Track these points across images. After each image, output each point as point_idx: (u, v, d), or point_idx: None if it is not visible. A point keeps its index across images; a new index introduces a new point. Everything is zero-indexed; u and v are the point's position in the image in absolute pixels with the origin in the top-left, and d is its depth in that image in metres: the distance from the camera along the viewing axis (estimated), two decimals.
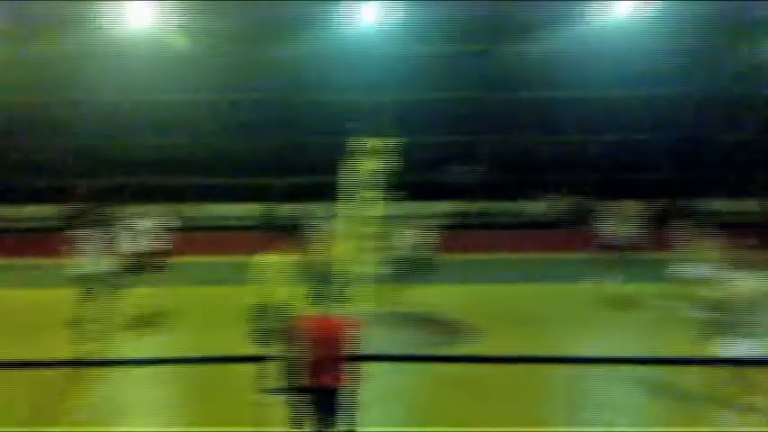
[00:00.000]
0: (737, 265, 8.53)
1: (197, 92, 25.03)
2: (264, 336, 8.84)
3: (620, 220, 15.10)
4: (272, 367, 6.99)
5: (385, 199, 17.96)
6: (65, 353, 9.88)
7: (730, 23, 22.57)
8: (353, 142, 16.41)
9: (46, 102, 24.76)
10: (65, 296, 11.52)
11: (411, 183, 24.66)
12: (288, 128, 25.44)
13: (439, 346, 11.95)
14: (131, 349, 11.28)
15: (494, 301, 15.58)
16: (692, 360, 5.85)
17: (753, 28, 22.93)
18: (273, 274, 9.72)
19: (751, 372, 6.73)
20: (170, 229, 15.02)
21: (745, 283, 6.71)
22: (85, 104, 25.07)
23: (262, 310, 9.44)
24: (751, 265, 9.83)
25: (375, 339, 11.99)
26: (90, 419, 7.68)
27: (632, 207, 16.57)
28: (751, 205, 24.66)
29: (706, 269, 13.37)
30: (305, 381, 5.90)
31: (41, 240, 19.31)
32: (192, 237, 18.94)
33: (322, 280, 11.18)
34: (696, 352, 6.96)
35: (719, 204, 23.95)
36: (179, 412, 8.11)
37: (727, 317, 6.61)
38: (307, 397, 5.93)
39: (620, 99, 24.52)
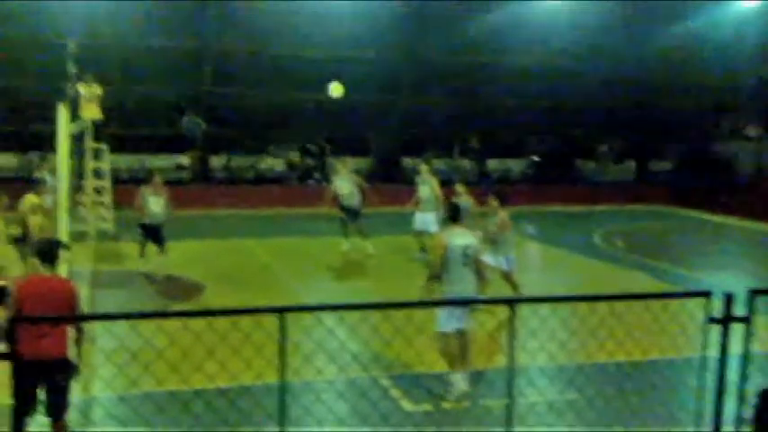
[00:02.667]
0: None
1: None
2: None
3: (344, 176, 15.68)
4: None
5: (104, 151, 17.05)
6: None
7: None
8: (70, 89, 15.28)
9: None
10: None
11: (137, 135, 23.76)
12: None
13: (163, 304, 11.73)
14: None
15: (221, 257, 15.58)
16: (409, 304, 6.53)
17: None
18: None
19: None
20: None
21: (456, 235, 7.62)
22: None
23: None
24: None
25: (98, 299, 11.70)
26: None
27: (350, 164, 17.38)
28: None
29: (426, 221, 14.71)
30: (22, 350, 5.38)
31: None
32: None
33: (33, 238, 10.40)
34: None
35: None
36: None
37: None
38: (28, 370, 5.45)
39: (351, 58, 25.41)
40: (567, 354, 7.96)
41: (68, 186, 8.92)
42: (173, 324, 4.69)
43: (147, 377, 5.72)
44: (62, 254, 6.20)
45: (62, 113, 8.44)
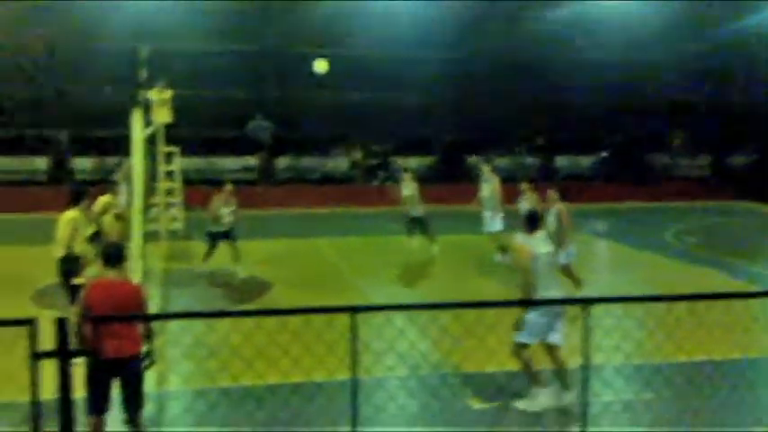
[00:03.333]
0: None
1: None
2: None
3: (408, 176, 15.65)
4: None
5: (175, 154, 17.50)
6: None
7: None
8: (142, 94, 15.71)
9: None
10: None
11: (207, 137, 24.31)
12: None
13: (234, 302, 11.95)
14: None
15: (288, 256, 15.77)
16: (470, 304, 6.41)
17: None
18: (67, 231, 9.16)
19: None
20: None
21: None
22: None
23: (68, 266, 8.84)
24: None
25: (171, 297, 12.02)
26: None
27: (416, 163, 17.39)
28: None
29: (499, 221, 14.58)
30: (93, 350, 5.56)
31: None
32: None
33: (105, 238, 10.74)
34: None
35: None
36: None
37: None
38: (100, 370, 5.63)
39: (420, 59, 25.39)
40: (644, 353, 7.75)
41: (142, 188, 9.16)
42: (246, 322, 4.77)
43: (224, 373, 5.82)
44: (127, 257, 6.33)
45: (136, 118, 8.69)
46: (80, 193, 9.70)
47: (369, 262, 15.27)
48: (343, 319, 3.83)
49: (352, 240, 18.13)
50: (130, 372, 5.76)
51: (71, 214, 9.44)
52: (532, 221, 7.52)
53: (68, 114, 23.80)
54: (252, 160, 25.51)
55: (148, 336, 5.94)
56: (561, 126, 27.08)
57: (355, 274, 14.03)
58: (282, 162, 26.11)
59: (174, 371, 7.64)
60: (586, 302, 4.31)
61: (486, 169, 15.24)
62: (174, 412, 7.08)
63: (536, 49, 24.98)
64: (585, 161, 28.22)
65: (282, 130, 25.04)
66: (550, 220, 10.80)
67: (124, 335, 5.70)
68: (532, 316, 7.08)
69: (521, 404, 7.24)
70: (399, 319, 6.33)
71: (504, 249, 14.11)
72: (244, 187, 18.82)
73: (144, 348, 5.92)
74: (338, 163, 26.69)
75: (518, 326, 7.02)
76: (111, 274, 6.01)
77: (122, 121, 15.65)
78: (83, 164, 24.35)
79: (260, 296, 12.20)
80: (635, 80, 25.95)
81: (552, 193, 11.02)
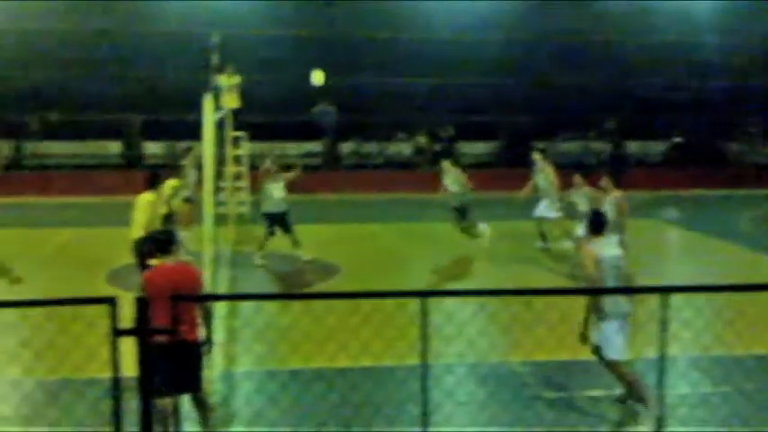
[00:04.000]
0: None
1: None
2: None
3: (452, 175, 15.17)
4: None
5: (243, 138, 17.77)
6: None
7: None
8: (213, 79, 15.99)
9: None
10: None
11: (273, 122, 24.58)
12: None
13: (301, 286, 12.09)
14: None
15: (352, 241, 15.85)
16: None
17: None
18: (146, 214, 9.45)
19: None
20: None
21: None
22: None
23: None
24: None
25: (239, 279, 12.24)
26: None
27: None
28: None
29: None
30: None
31: None
32: None
33: (177, 218, 11.00)
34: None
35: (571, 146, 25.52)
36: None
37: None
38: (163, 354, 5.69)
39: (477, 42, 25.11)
40: (723, 345, 7.48)
41: (212, 172, 9.31)
42: (317, 305, 4.79)
43: (295, 355, 5.88)
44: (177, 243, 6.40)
45: (207, 103, 8.82)
46: (156, 176, 10.02)
47: (432, 248, 15.20)
48: (412, 304, 3.80)
49: (417, 226, 18.10)
50: (189, 355, 5.81)
51: (149, 197, 9.74)
52: (597, 224, 7.06)
53: (140, 99, 24.42)
54: (316, 146, 25.71)
55: (207, 320, 6.00)
56: (633, 111, 26.39)
57: (419, 260, 14.00)
58: (347, 147, 26.21)
59: (246, 352, 7.77)
60: (665, 291, 4.18)
61: (538, 158, 14.94)
62: (248, 391, 7.20)
63: (607, 29, 24.34)
64: (657, 147, 27.45)
65: (347, 115, 25.12)
66: (607, 209, 10.21)
67: (183, 319, 5.78)
68: (610, 329, 6.61)
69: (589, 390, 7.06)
70: (470, 305, 6.27)
71: (544, 237, 13.95)
72: (308, 172, 18.98)
73: (203, 332, 6.00)
74: (402, 148, 26.64)
75: (583, 339, 6.67)
76: (169, 260, 6.08)
77: (192, 106, 16.01)
78: (153, 148, 24.98)
79: (325, 280, 12.30)
80: (706, 65, 25.08)
81: (607, 181, 10.60)
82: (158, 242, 6.15)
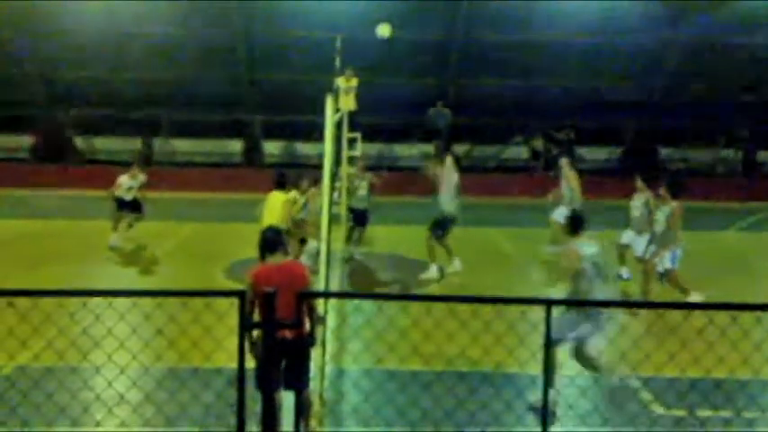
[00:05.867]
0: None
1: None
2: None
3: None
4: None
5: (358, 140, 18.08)
6: None
7: None
8: (335, 82, 16.40)
9: None
10: None
11: (387, 124, 24.90)
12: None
13: (408, 286, 12.22)
14: None
15: (463, 244, 15.81)
16: None
17: None
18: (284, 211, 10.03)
19: None
20: None
21: None
22: None
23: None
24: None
25: (351, 278, 12.51)
26: None
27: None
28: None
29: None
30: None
31: None
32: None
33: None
34: None
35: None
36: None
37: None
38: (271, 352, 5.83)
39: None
40: None
41: (330, 172, 9.55)
42: (414, 307, 4.84)
43: (391, 356, 5.96)
44: (284, 242, 6.54)
45: (329, 105, 9.09)
46: (284, 176, 10.69)
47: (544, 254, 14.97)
48: (513, 310, 3.79)
49: (529, 231, 17.84)
50: (295, 352, 5.87)
51: (281, 197, 10.35)
52: (575, 224, 7.31)
53: (261, 100, 25.34)
54: (428, 148, 25.81)
55: (312, 317, 6.05)
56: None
57: (530, 265, 13.83)
58: (459, 150, 26.18)
59: (348, 350, 7.97)
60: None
61: (564, 163, 14.64)
62: (346, 387, 7.38)
63: (741, 31, 23.09)
64: None
65: (462, 118, 25.07)
66: (660, 219, 10.38)
67: (288, 315, 5.92)
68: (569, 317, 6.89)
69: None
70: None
71: (555, 241, 13.73)
72: (420, 175, 19.08)
73: (308, 329, 6.02)
74: (518, 151, 26.35)
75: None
76: (275, 259, 6.15)
77: (310, 107, 16.45)
78: (272, 148, 25.86)
79: (429, 283, 12.36)
80: None
81: (665, 191, 10.40)
82: (266, 241, 6.23)
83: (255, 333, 5.33)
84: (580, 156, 24.06)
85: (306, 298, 5.62)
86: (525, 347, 5.22)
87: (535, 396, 6.37)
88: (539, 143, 25.77)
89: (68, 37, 23.23)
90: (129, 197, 14.60)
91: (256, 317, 5.16)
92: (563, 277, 7.44)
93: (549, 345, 6.93)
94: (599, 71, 24.29)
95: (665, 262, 10.31)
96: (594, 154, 25.69)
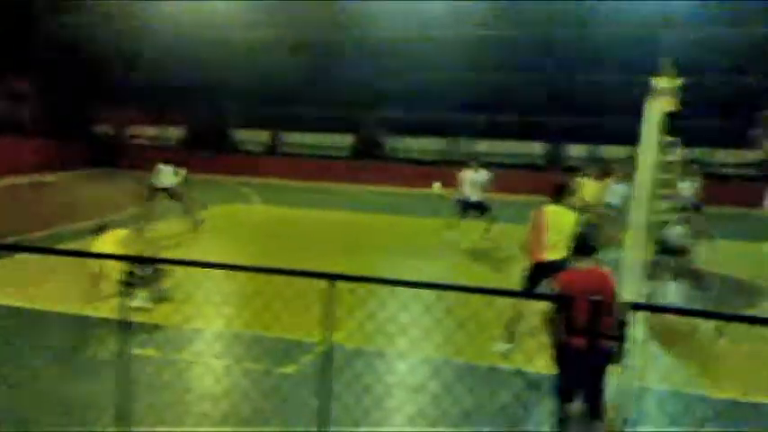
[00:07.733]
0: None
1: None
2: None
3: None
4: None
5: (674, 144, 16.79)
6: None
7: None
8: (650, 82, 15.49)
9: None
10: None
11: (697, 127, 22.78)
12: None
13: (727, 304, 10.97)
14: None
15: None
16: None
17: None
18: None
19: None
20: None
21: None
22: None
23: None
24: None
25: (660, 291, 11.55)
26: None
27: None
28: None
29: None
30: (569, 339, 5.42)
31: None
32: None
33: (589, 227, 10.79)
34: None
35: None
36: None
37: None
38: (577, 361, 5.53)
39: None
40: None
41: (650, 178, 8.86)
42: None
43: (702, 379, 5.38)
44: (598, 245, 6.18)
45: (650, 107, 8.44)
46: (564, 188, 9.46)
47: None
48: None
49: None
50: (594, 363, 5.53)
51: (556, 210, 9.13)
52: (579, 246, 6.16)
53: (561, 101, 24.73)
54: (758, 155, 23.08)
55: (619, 328, 5.58)
56: None
57: None
58: None
59: (655, 367, 7.34)
60: None
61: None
62: (650, 409, 6.80)
63: None
64: None
65: None
66: None
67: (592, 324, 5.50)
68: None
69: None
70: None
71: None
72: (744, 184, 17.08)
73: (613, 342, 5.64)
74: None
75: None
76: (584, 264, 5.97)
77: (619, 109, 15.63)
78: (576, 150, 25.14)
79: (754, 304, 10.97)
80: None
81: None
82: (577, 244, 6.12)
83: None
84: None
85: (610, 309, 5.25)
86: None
87: None
88: None
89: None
90: (473, 198, 14.76)
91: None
92: None
93: None
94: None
95: None
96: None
